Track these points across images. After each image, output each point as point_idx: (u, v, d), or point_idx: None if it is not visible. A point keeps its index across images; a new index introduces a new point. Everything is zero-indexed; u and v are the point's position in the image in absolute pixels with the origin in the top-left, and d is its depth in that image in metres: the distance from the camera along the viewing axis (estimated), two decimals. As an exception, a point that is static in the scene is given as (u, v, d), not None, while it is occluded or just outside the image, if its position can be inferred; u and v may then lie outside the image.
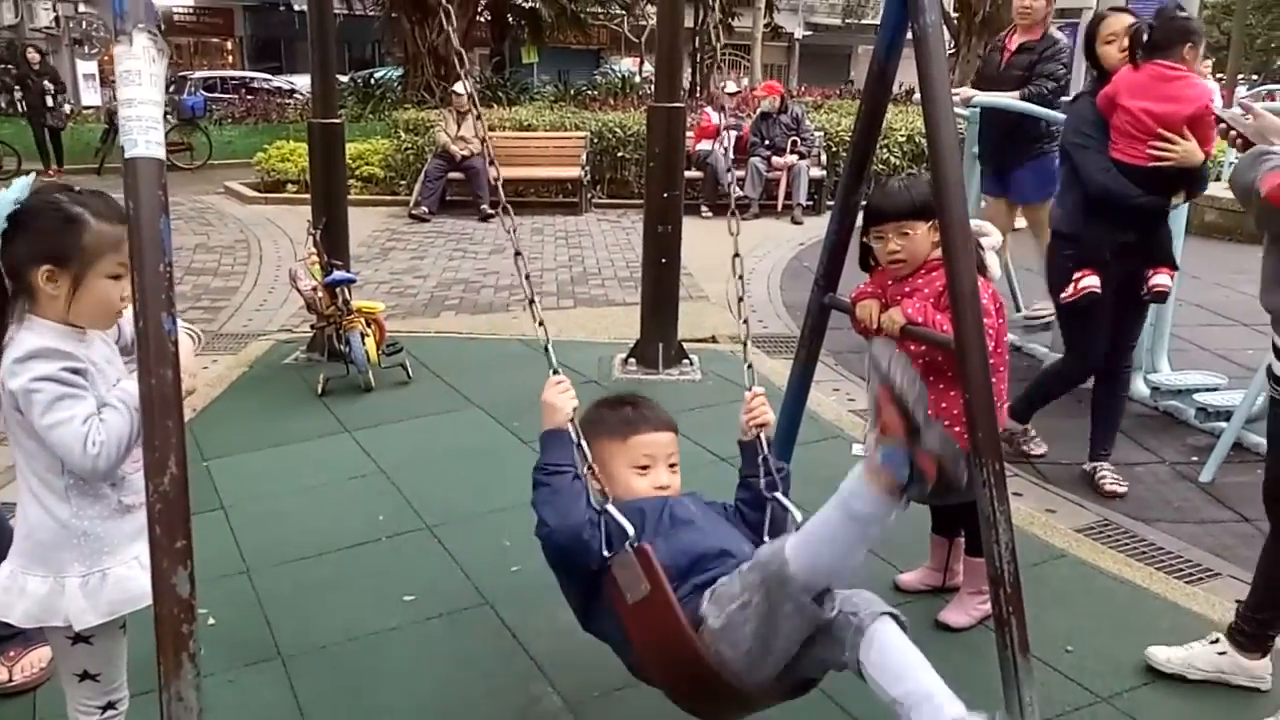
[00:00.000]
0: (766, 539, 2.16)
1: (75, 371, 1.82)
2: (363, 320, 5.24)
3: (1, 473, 4.02)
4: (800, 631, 1.85)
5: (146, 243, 1.63)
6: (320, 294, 5.25)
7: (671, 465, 2.22)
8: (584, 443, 2.07)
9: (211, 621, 2.97)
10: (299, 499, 3.94)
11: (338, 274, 5.26)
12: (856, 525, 1.79)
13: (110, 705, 2.03)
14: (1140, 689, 2.72)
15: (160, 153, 1.65)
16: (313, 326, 5.63)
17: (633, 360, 5.59)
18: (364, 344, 5.15)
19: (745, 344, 2.47)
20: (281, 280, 7.77)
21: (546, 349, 2.16)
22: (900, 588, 3.22)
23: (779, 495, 2.21)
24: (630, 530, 1.96)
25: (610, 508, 2.00)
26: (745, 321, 2.46)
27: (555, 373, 2.13)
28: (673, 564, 1.96)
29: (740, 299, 2.44)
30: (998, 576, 2.32)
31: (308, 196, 6.06)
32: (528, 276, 2.22)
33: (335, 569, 3.37)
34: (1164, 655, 2.78)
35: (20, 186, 1.84)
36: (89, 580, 1.89)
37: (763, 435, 2.26)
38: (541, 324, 2.18)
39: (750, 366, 2.42)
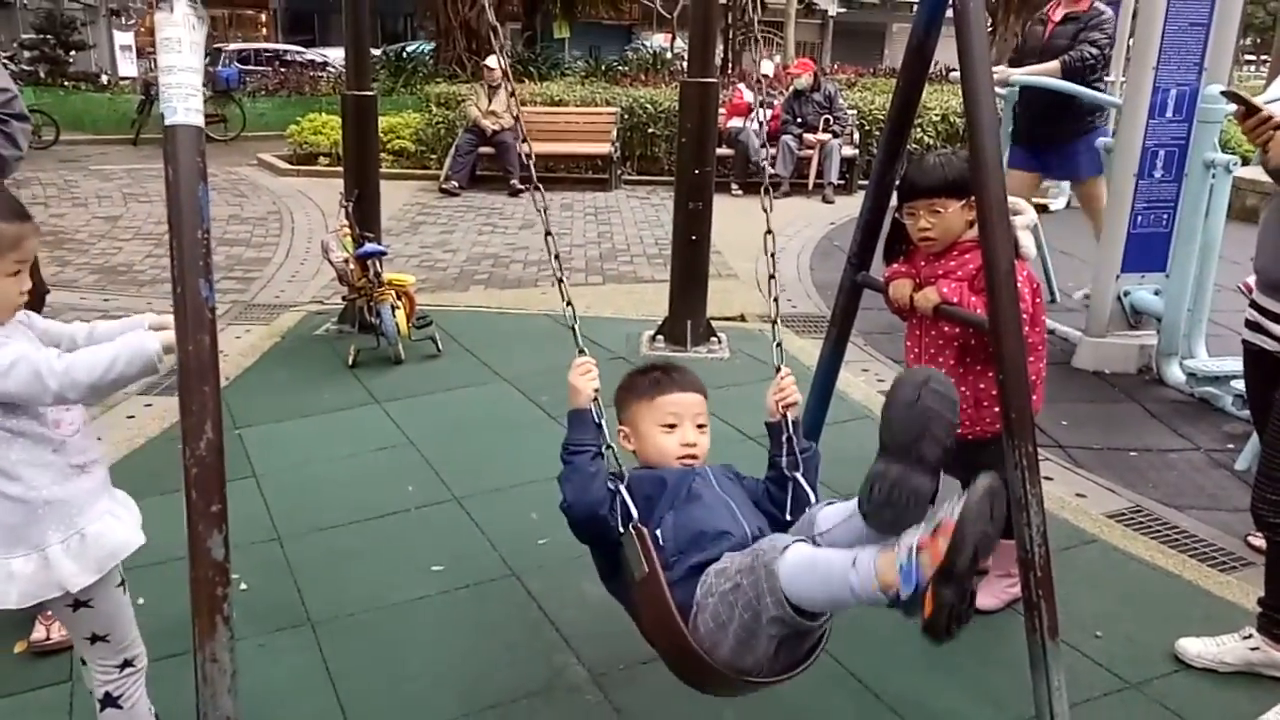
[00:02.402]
0: (789, 517, 2.16)
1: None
2: (393, 293, 5.27)
3: None
4: (781, 629, 1.84)
5: (185, 210, 1.64)
6: (352, 266, 5.28)
7: (700, 425, 2.23)
8: (603, 421, 2.11)
9: (244, 587, 3.01)
10: (329, 468, 3.97)
11: (369, 246, 5.28)
12: (847, 591, 1.77)
13: (127, 663, 2.06)
14: (1171, 676, 2.70)
15: (199, 120, 1.66)
16: (344, 298, 5.66)
17: (661, 337, 5.59)
18: (394, 316, 5.17)
19: (775, 322, 2.42)
20: (313, 252, 7.82)
21: (573, 329, 2.20)
22: (927, 569, 3.19)
23: (798, 476, 2.19)
24: (634, 512, 2.01)
25: (622, 488, 2.04)
26: (775, 300, 2.42)
27: (581, 353, 2.18)
28: (675, 539, 2.00)
29: (771, 276, 2.43)
30: (1028, 559, 2.30)
31: (339, 169, 6.10)
32: (557, 256, 2.28)
33: (365, 538, 3.41)
34: (1194, 650, 2.75)
35: None
36: (69, 544, 1.91)
37: (789, 415, 2.24)
38: (569, 304, 2.23)
39: (780, 345, 2.39)
